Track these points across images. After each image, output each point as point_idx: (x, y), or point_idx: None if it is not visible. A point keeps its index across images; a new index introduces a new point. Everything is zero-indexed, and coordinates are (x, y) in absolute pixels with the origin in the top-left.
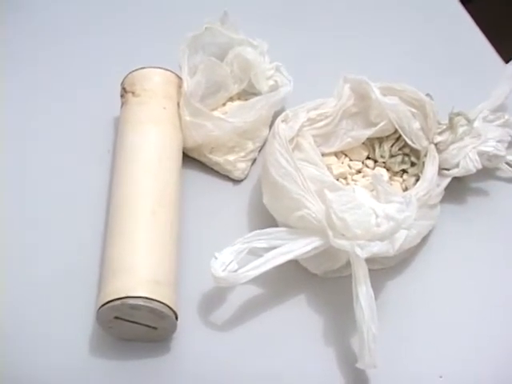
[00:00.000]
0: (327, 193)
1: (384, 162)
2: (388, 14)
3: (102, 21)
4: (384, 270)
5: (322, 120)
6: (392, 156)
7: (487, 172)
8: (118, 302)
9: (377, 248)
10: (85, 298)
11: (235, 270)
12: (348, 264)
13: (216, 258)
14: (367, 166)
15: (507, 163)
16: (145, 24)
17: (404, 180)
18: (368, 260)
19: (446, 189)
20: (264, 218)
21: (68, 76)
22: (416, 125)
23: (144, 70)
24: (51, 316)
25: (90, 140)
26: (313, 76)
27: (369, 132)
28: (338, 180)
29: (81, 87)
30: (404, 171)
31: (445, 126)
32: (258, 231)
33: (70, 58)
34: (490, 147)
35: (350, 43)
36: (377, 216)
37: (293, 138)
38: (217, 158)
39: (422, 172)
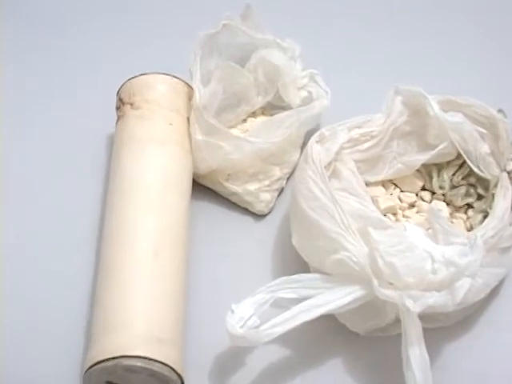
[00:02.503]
0: (372, 231)
1: (444, 195)
2: (447, 14)
3: (96, 18)
4: (442, 329)
5: (366, 141)
6: (454, 187)
7: None
8: (111, 362)
9: (433, 300)
10: (70, 357)
11: (256, 327)
12: (397, 320)
13: (233, 312)
14: (422, 199)
15: None
16: (147, 21)
17: (468, 217)
18: (422, 316)
19: None
20: (293, 262)
21: (54, 83)
22: (485, 148)
23: (146, 76)
24: (27, 380)
25: (79, 163)
26: (355, 87)
27: (425, 157)
28: (385, 216)
29: (68, 98)
30: (469, 206)
31: None
32: (284, 278)
33: (56, 62)
34: None
35: (401, 48)
36: (433, 261)
37: (330, 164)
38: (235, 188)
39: (491, 207)
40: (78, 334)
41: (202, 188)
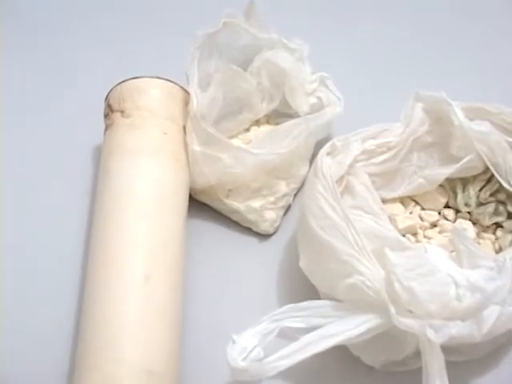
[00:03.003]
0: (389, 253)
1: (469, 213)
2: (473, 15)
3: (84, 18)
4: (467, 362)
5: (383, 153)
6: (481, 204)
7: None
8: None
9: (457, 330)
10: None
11: (260, 359)
12: (417, 353)
13: (234, 342)
14: (446, 218)
15: None
16: (140, 20)
17: (497, 237)
18: (445, 347)
19: None
20: (300, 287)
21: (36, 87)
22: None
23: (137, 80)
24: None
25: (63, 177)
26: (371, 93)
27: (449, 170)
28: (404, 236)
29: (52, 104)
30: (498, 225)
31: None
32: (291, 305)
33: (40, 64)
34: None
35: (423, 50)
36: (457, 286)
37: (342, 178)
38: (236, 205)
39: None
40: (62, 364)
41: (199, 205)
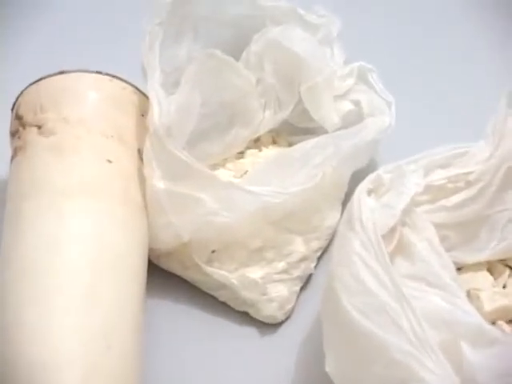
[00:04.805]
0: (466, 349)
1: None
2: None
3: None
4: None
5: (459, 191)
6: None
7: None
8: None
9: None
10: None
11: None
12: None
13: None
14: None
15: None
16: None
17: None
18: None
19: None
20: None
21: None
22: None
23: (65, 75)
24: None
25: None
26: (437, 96)
27: None
28: (493, 324)
29: None
30: None
31: None
32: None
33: None
34: None
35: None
36: None
37: (393, 231)
38: (225, 275)
39: None
40: None
41: (165, 275)
